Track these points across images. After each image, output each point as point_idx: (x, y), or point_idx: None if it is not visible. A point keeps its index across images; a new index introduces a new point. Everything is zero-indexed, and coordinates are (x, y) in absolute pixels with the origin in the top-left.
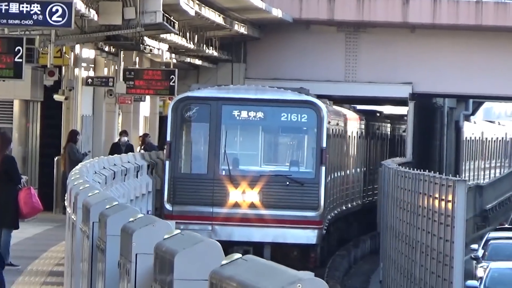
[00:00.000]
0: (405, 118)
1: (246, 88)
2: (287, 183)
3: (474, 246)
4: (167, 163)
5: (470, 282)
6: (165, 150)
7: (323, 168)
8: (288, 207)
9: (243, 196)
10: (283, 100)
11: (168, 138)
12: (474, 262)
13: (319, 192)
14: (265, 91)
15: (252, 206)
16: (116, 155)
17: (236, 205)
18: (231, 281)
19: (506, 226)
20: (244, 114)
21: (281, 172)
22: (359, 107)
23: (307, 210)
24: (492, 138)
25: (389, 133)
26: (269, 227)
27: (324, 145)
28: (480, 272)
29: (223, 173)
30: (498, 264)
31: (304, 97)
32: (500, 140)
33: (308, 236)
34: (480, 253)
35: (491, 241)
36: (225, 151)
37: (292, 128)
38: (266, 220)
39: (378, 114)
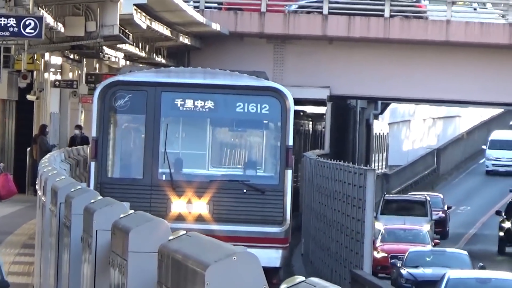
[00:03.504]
0: (324, 116)
1: (191, 71)
2: (244, 190)
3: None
4: (92, 164)
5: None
6: (89, 148)
7: (289, 172)
8: (245, 221)
9: (189, 207)
10: (239, 86)
11: (94, 134)
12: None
13: (284, 202)
14: (216, 75)
15: (199, 219)
16: (73, 147)
17: (180, 218)
18: (177, 253)
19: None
20: (189, 103)
21: (237, 177)
22: None
23: (269, 225)
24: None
25: (310, 129)
26: None
27: (290, 143)
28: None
29: (163, 178)
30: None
31: (265, 83)
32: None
33: (270, 257)
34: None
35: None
36: (165, 150)
37: (250, 122)
38: (217, 237)
39: (301, 113)
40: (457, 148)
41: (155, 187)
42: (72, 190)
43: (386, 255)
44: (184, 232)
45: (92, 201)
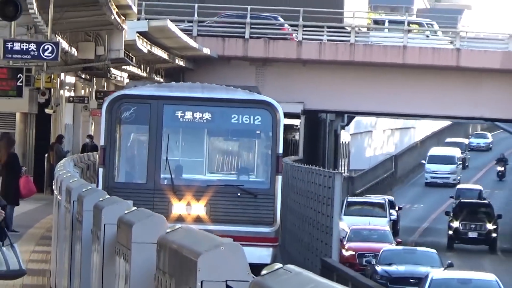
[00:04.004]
0: (297, 127)
1: (190, 86)
2: (238, 194)
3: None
4: (100, 170)
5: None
6: (97, 155)
7: (279, 178)
8: (239, 222)
9: (188, 209)
10: (234, 99)
11: (102, 143)
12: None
13: (274, 205)
14: (213, 89)
15: (198, 220)
16: (84, 153)
17: (180, 219)
18: (173, 244)
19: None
20: (189, 115)
21: (232, 181)
22: None
23: (261, 226)
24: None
25: (287, 138)
26: None
27: (281, 151)
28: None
29: (165, 182)
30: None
31: (258, 97)
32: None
33: (261, 255)
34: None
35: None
36: (166, 157)
37: (243, 132)
38: None
39: None
40: (412, 155)
41: (158, 191)
42: (84, 190)
43: (353, 253)
44: (180, 226)
45: (101, 199)
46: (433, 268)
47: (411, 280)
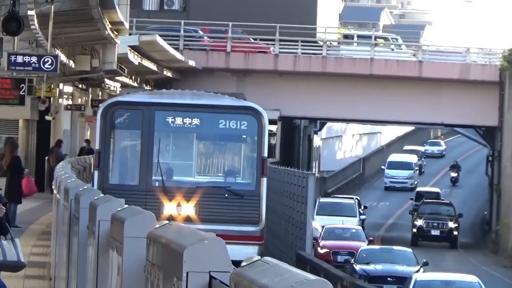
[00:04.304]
0: (274, 132)
1: (180, 93)
2: (226, 195)
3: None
4: (95, 173)
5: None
6: (93, 159)
7: (265, 180)
8: (227, 221)
9: (178, 210)
10: (221, 106)
11: (97, 146)
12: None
13: (260, 205)
14: (202, 96)
15: (188, 220)
16: (81, 156)
17: (171, 218)
18: (161, 238)
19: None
20: (179, 120)
21: (219, 183)
22: None
23: (247, 225)
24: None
25: None
26: None
27: (266, 154)
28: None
29: (156, 184)
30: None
31: (244, 103)
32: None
33: (247, 253)
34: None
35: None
36: (158, 160)
37: (230, 136)
38: None
39: None
40: (378, 157)
41: (150, 192)
42: (80, 189)
43: (328, 250)
44: (167, 222)
45: (96, 198)
46: (409, 266)
47: (389, 279)
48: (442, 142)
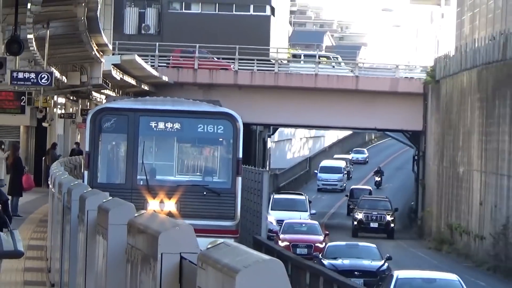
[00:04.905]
0: None
1: (162, 99)
2: (204, 193)
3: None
4: (85, 173)
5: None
6: (83, 160)
7: (239, 179)
8: (205, 217)
9: (161, 206)
10: (200, 111)
11: (87, 149)
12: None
13: (235, 202)
14: (182, 103)
15: (170, 215)
16: (72, 156)
17: None
18: (140, 225)
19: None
20: (161, 125)
21: (198, 182)
22: None
23: (224, 220)
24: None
25: None
26: None
27: (240, 156)
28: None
29: (141, 183)
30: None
31: (220, 109)
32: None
33: None
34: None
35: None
36: (142, 161)
37: (208, 139)
38: None
39: None
40: (322, 157)
41: (135, 190)
42: (72, 184)
43: (288, 243)
44: (145, 211)
45: (85, 191)
46: (374, 261)
47: (356, 273)
48: (365, 150)
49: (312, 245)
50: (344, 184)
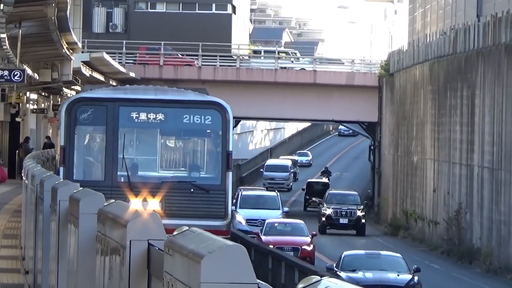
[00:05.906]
0: None
1: (144, 88)
2: (191, 190)
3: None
4: (61, 169)
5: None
6: (57, 156)
7: (230, 174)
8: (193, 216)
9: (144, 205)
10: (185, 100)
11: (62, 143)
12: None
13: (225, 199)
14: (166, 91)
15: None
16: (44, 149)
17: None
18: (109, 214)
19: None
20: (143, 116)
21: (185, 178)
22: None
23: (213, 219)
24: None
25: None
26: None
27: (231, 148)
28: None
29: (122, 180)
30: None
31: (208, 98)
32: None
33: None
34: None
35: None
36: (123, 156)
37: (195, 131)
38: (169, 230)
39: None
40: (283, 148)
41: (115, 188)
42: (44, 176)
43: (272, 247)
44: (114, 201)
45: (56, 182)
46: (401, 273)
47: None
48: (309, 153)
49: (298, 247)
50: (291, 184)
